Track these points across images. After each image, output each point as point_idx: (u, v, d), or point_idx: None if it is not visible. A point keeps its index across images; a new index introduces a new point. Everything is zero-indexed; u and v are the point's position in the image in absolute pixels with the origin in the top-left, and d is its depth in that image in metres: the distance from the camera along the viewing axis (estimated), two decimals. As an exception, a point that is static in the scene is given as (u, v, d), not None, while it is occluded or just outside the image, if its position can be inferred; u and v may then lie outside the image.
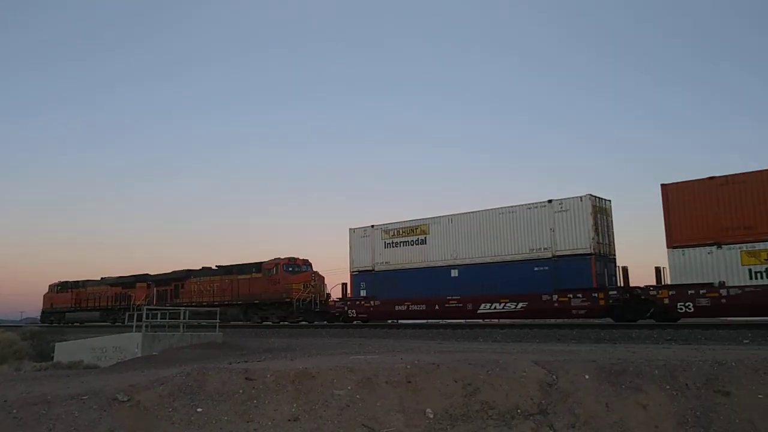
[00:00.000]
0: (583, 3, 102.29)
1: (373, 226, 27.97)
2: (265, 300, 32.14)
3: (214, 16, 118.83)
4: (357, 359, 9.24)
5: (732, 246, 18.13)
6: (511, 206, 23.53)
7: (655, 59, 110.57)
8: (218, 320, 20.20)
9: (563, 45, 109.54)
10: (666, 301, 19.19)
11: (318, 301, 30.26)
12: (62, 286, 46.98)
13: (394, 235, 27.07)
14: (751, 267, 17.78)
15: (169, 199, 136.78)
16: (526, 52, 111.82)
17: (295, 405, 7.19)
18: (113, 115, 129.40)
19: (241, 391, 7.47)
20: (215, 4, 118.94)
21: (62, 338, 22.98)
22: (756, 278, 17.65)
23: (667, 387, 7.12)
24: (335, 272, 69.07)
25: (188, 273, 37.66)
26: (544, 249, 22.26)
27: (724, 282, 18.14)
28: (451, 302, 24.25)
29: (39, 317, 50.21)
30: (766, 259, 17.55)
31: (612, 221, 22.56)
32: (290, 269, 32.31)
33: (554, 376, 7.50)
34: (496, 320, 25.92)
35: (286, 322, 30.82)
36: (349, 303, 28.50)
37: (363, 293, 27.81)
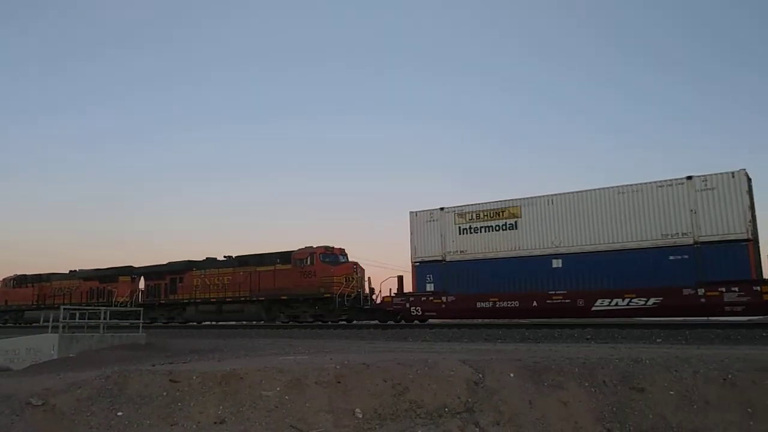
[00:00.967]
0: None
1: (442, 208, 23.96)
2: (297, 295, 27.58)
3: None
4: (286, 360, 9.16)
5: None
6: (635, 184, 20.08)
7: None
8: (141, 321, 19.53)
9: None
10: None
11: (364, 297, 26.32)
12: (19, 281, 41.63)
13: (472, 219, 23.04)
14: None
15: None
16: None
17: (221, 407, 7.05)
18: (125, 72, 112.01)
19: (164, 393, 7.25)
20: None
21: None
22: None
23: (587, 384, 7.44)
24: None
25: (189, 265, 33.07)
26: (683, 234, 18.87)
27: None
28: (554, 298, 20.66)
29: None
30: None
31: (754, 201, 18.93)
32: (327, 260, 27.71)
33: (481, 375, 7.69)
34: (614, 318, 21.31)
35: (325, 322, 26.70)
36: (412, 299, 24.01)
37: (430, 287, 23.59)
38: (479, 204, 23.18)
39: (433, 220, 23.95)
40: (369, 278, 27.43)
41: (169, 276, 33.67)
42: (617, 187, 20.32)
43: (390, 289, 25.32)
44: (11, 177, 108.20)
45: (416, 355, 9.40)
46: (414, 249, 24.21)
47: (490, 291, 22.01)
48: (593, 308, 19.89)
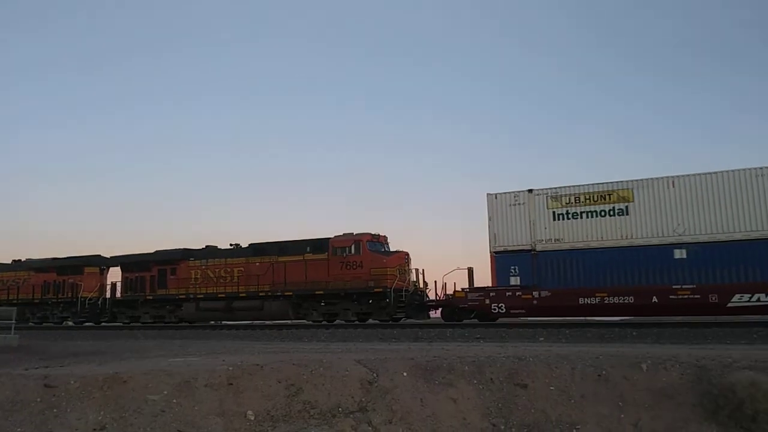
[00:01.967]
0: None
1: (531, 190, 21.17)
2: (338, 290, 23.50)
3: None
4: (175, 362, 8.82)
5: None
6: None
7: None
8: (14, 320, 18.02)
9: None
10: None
11: (419, 292, 23.24)
12: None
13: (569, 203, 20.36)
14: None
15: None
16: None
17: (102, 413, 6.68)
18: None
19: (38, 399, 6.77)
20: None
21: None
22: None
23: (475, 381, 7.75)
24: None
25: (185, 254, 27.72)
26: None
27: None
28: (680, 293, 18.23)
29: None
30: None
31: None
32: (375, 249, 23.75)
33: (375, 374, 7.80)
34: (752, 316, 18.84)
35: (374, 321, 23.04)
36: (493, 294, 20.93)
37: (515, 281, 20.79)
38: (579, 186, 20.61)
39: (519, 204, 21.17)
40: (422, 270, 24.04)
41: (157, 267, 28.19)
42: (759, 168, 18.34)
43: (455, 284, 22.21)
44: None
45: (312, 355, 9.37)
46: (494, 236, 21.30)
47: (596, 285, 19.54)
48: (729, 304, 17.81)
